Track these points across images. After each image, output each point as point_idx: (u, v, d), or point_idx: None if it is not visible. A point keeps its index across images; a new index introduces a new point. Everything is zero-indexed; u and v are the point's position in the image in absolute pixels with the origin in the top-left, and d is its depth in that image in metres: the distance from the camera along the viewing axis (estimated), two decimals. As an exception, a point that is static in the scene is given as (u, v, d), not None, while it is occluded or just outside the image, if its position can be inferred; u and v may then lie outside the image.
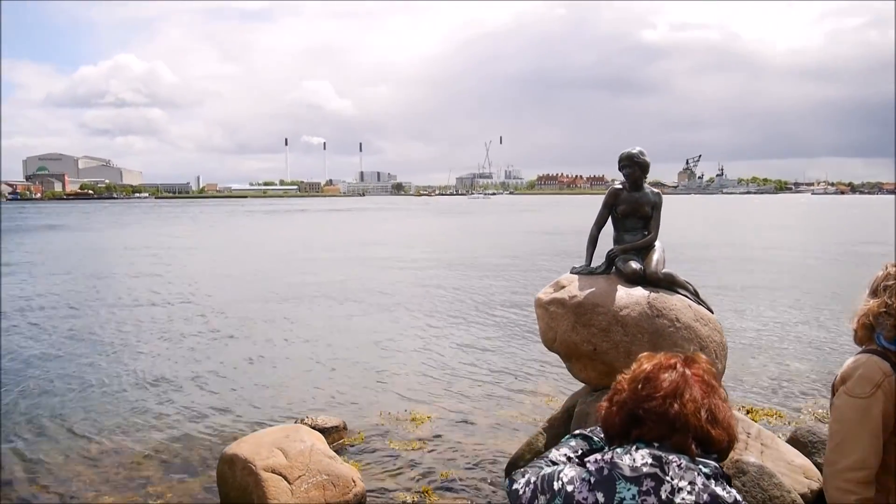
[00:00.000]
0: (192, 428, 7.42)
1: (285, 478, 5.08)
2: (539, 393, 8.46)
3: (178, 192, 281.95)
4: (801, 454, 5.41)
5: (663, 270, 5.56)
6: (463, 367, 9.76)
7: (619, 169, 5.69)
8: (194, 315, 14.18)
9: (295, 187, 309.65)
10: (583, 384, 5.99)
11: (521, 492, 1.62)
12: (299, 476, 5.12)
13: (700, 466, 1.50)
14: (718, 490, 1.47)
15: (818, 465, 5.31)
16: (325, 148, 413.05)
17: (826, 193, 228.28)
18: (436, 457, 6.48)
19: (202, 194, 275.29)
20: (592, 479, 1.51)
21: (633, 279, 5.48)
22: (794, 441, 5.77)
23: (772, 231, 41.30)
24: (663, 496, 1.45)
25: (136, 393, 8.72)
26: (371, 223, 60.81)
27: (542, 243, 33.42)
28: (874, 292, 2.41)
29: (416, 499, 5.63)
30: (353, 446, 6.80)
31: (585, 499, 1.50)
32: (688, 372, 1.59)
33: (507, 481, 1.69)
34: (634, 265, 5.48)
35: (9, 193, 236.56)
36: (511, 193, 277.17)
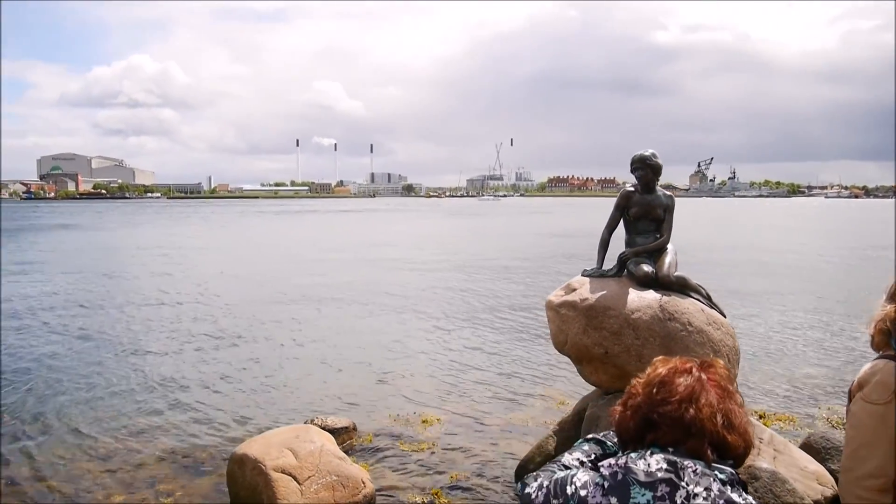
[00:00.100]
0: (201, 427, 7.44)
1: (295, 478, 5.08)
2: (549, 396, 8.43)
3: (189, 193, 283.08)
4: (814, 460, 5.37)
5: (675, 273, 5.54)
6: (473, 370, 9.74)
7: (632, 171, 5.67)
8: (204, 315, 14.23)
9: (306, 188, 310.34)
10: (594, 387, 5.97)
11: (533, 496, 1.60)
12: (309, 476, 5.12)
13: (716, 472, 1.48)
14: (734, 496, 1.45)
15: (832, 472, 5.26)
16: (335, 149, 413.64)
17: (840, 197, 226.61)
18: (445, 459, 6.46)
19: (213, 194, 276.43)
20: (606, 484, 1.50)
21: (645, 282, 5.45)
22: (808, 447, 5.72)
23: (784, 234, 41.03)
24: (678, 502, 1.43)
25: (146, 393, 8.75)
26: (381, 224, 60.89)
27: (553, 245, 33.34)
28: (891, 297, 2.38)
29: (425, 500, 5.61)
30: (362, 447, 6.79)
31: (599, 503, 1.49)
32: (703, 376, 1.58)
33: (520, 485, 1.67)
34: (646, 268, 5.46)
35: (23, 193, 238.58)
36: (521, 195, 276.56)
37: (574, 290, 5.64)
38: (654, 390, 1.57)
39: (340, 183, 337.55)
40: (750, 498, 1.48)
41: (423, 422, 7.47)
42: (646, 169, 5.56)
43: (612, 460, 1.55)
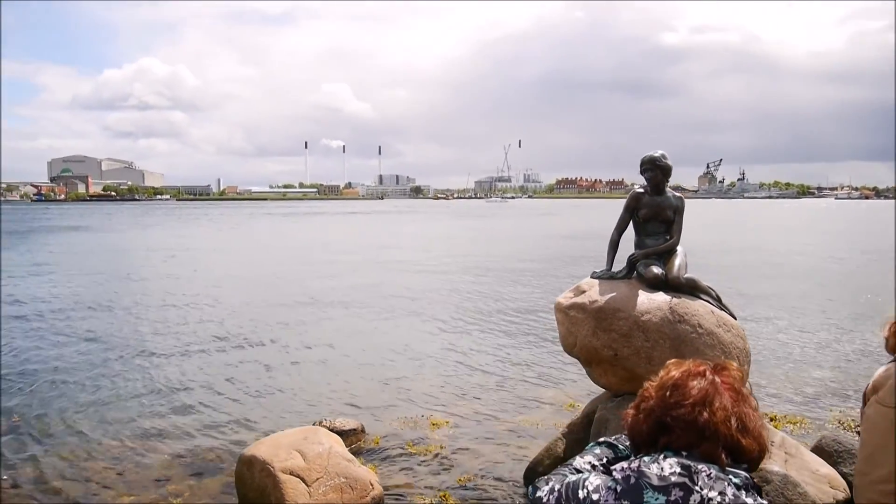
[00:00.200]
0: (210, 429, 7.45)
1: (303, 480, 5.08)
2: (558, 398, 8.40)
3: (198, 195, 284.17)
4: (826, 463, 5.33)
5: (685, 275, 5.51)
6: (481, 372, 9.72)
7: (641, 172, 5.64)
8: (212, 317, 14.26)
9: (314, 190, 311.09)
10: (603, 390, 5.95)
11: (545, 499, 1.58)
12: (317, 478, 5.12)
13: (730, 476, 1.46)
14: (749, 501, 1.44)
15: (844, 475, 5.22)
16: (344, 151, 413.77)
17: (850, 198, 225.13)
18: (454, 461, 6.44)
19: (222, 196, 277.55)
20: (619, 488, 1.48)
21: (655, 284, 5.43)
22: (819, 450, 5.67)
23: (792, 235, 40.81)
24: None
25: (154, 394, 8.77)
26: (389, 226, 60.96)
27: (561, 247, 33.28)
28: None
29: (433, 502, 5.60)
30: (370, 449, 6.79)
31: None
32: (717, 379, 1.56)
33: (531, 488, 1.65)
34: (656, 270, 5.43)
35: (34, 195, 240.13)
36: (529, 197, 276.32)
37: (583, 291, 5.62)
38: (668, 393, 1.55)
39: (349, 185, 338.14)
40: (765, 502, 1.46)
41: (432, 424, 7.45)
42: (655, 170, 5.53)
43: (624, 464, 1.53)
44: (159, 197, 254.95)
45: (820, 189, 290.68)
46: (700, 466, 1.45)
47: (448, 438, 7.04)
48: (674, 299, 5.35)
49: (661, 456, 1.50)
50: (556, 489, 1.58)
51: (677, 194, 5.70)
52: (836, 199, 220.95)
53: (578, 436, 5.81)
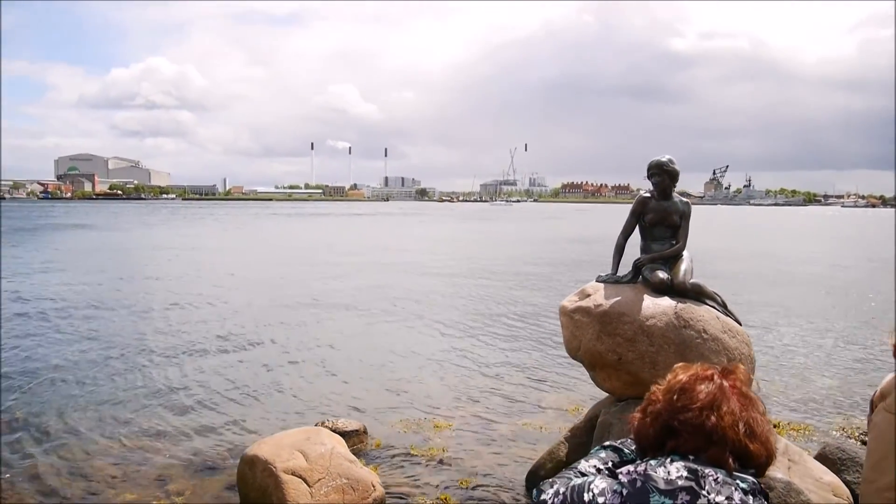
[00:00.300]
0: (212, 428, 7.45)
1: (305, 480, 5.07)
2: (561, 402, 8.38)
3: (204, 194, 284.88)
4: (829, 471, 5.29)
5: (691, 281, 5.49)
6: (484, 375, 9.70)
7: (648, 177, 5.63)
8: (215, 317, 14.28)
9: (319, 191, 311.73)
10: (606, 394, 5.93)
11: (549, 502, 1.57)
12: (319, 479, 5.11)
13: (737, 481, 1.45)
14: (756, 506, 1.42)
15: (847, 483, 5.19)
16: (350, 152, 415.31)
17: (856, 206, 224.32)
18: (456, 464, 6.43)
19: (228, 196, 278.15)
20: (625, 491, 1.47)
21: (660, 289, 5.41)
22: (823, 457, 5.64)
23: (799, 243, 40.69)
24: None
25: (155, 394, 8.77)
26: (394, 228, 60.99)
27: (565, 251, 33.23)
28: None
29: (435, 505, 5.59)
30: (373, 451, 6.77)
31: None
32: (725, 384, 1.55)
33: (535, 491, 1.64)
34: (662, 275, 5.41)
35: (40, 193, 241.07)
36: (535, 201, 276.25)
37: (588, 295, 5.60)
38: (675, 397, 1.54)
39: (354, 186, 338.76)
40: None
41: (435, 426, 7.44)
42: (663, 175, 5.52)
43: (630, 467, 1.52)
44: (165, 196, 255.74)
45: (826, 197, 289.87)
46: (707, 471, 1.44)
47: (450, 441, 7.02)
48: (679, 304, 5.33)
49: (668, 460, 1.49)
50: (560, 492, 1.57)
51: (684, 199, 5.68)
52: (842, 207, 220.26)
53: (581, 440, 5.79)
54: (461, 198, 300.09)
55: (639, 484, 1.46)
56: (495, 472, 6.23)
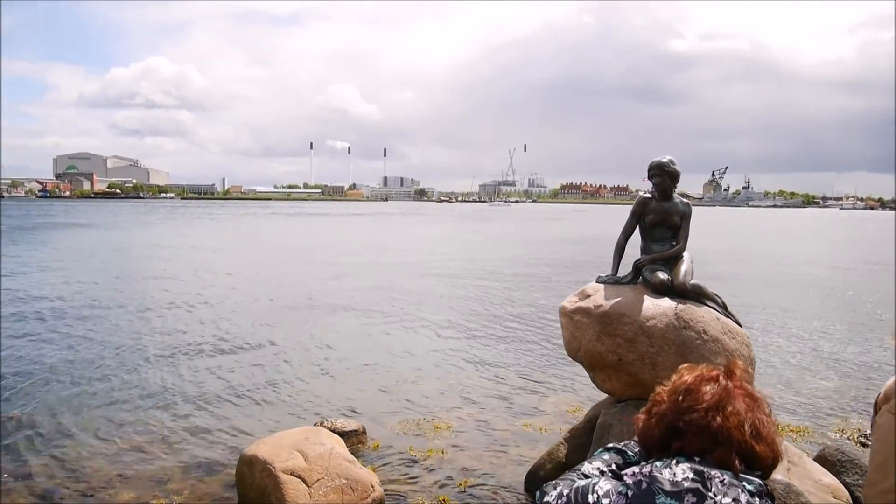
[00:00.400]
0: (210, 428, 7.43)
1: (304, 480, 5.06)
2: (561, 403, 8.37)
3: (203, 194, 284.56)
4: (828, 473, 5.30)
5: (691, 281, 5.48)
6: (484, 376, 9.69)
7: (649, 178, 5.62)
8: (213, 318, 14.25)
9: (319, 191, 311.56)
10: (606, 395, 5.92)
11: (553, 504, 1.56)
12: (318, 479, 5.10)
13: (744, 483, 1.44)
14: (763, 509, 1.41)
15: (847, 485, 5.19)
16: (349, 152, 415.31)
17: (855, 208, 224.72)
18: (455, 465, 6.42)
19: (227, 196, 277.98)
20: (630, 493, 1.46)
21: (661, 290, 5.41)
22: (822, 459, 5.64)
23: (797, 245, 40.72)
24: None
25: (155, 393, 8.75)
26: (393, 228, 60.97)
27: (564, 252, 33.22)
28: None
29: (434, 506, 5.58)
30: (372, 451, 6.76)
31: None
32: (731, 384, 1.54)
33: (538, 494, 1.62)
34: (662, 275, 5.41)
35: (39, 191, 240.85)
36: (534, 201, 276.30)
37: (588, 296, 5.59)
38: (681, 398, 1.53)
39: (353, 186, 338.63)
40: None
41: (434, 427, 7.42)
42: (663, 176, 5.51)
43: (635, 469, 1.51)
44: (164, 195, 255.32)
45: (825, 199, 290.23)
46: (713, 472, 1.43)
47: (450, 441, 7.01)
48: (679, 305, 5.33)
49: (674, 461, 1.48)
50: (564, 494, 1.56)
51: (685, 200, 5.68)
52: (840, 209, 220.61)
53: (581, 440, 5.79)
54: (460, 198, 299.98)
55: (644, 485, 1.45)
56: (495, 473, 6.22)
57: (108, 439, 7.06)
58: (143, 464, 6.44)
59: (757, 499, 1.43)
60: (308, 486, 5.04)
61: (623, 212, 5.82)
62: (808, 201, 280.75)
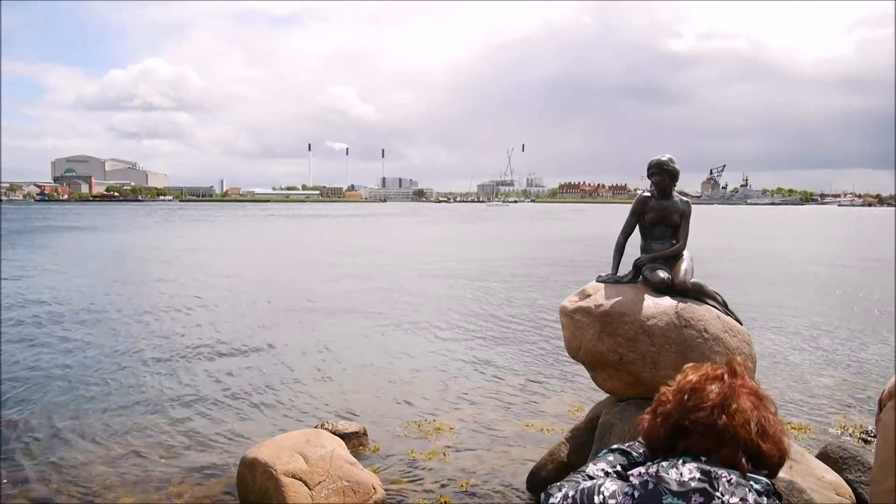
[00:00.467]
0: (211, 431, 7.42)
1: (305, 483, 5.05)
2: (562, 403, 8.36)
3: (201, 196, 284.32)
4: (831, 470, 5.28)
5: (692, 280, 5.47)
6: (484, 377, 9.68)
7: (648, 176, 5.61)
8: (213, 321, 14.24)
9: (317, 192, 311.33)
10: (607, 394, 5.91)
11: (558, 506, 1.55)
12: (319, 482, 5.09)
13: (751, 482, 1.43)
14: (770, 508, 1.40)
15: (850, 482, 5.18)
16: (347, 153, 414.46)
17: (853, 205, 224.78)
18: (456, 466, 6.41)
19: (225, 198, 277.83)
20: (636, 494, 1.45)
21: (661, 288, 5.39)
22: (824, 456, 5.63)
23: (796, 242, 40.74)
24: None
25: (156, 396, 8.74)
26: (392, 229, 60.93)
27: (565, 252, 33.21)
28: None
29: (436, 507, 5.56)
30: (373, 453, 6.75)
31: None
32: (736, 383, 1.53)
33: (543, 495, 1.61)
34: (662, 274, 5.39)
35: (37, 194, 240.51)
36: (532, 201, 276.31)
37: (588, 295, 5.58)
38: (686, 397, 1.53)
39: (352, 187, 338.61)
40: None
41: (435, 428, 7.41)
42: (663, 174, 5.50)
43: (641, 469, 1.50)
44: (162, 198, 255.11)
45: (823, 196, 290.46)
46: (720, 472, 1.42)
47: (451, 443, 7.00)
48: (680, 304, 5.31)
49: (681, 461, 1.47)
50: (569, 495, 1.54)
51: (684, 199, 5.66)
52: (839, 206, 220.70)
53: (582, 440, 5.77)
54: (458, 198, 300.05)
55: (651, 486, 1.44)
56: (496, 474, 6.21)
57: (106, 444, 7.04)
58: (142, 468, 6.42)
59: (764, 498, 1.42)
60: (309, 489, 5.03)
61: (622, 211, 5.80)
62: (806, 198, 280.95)
